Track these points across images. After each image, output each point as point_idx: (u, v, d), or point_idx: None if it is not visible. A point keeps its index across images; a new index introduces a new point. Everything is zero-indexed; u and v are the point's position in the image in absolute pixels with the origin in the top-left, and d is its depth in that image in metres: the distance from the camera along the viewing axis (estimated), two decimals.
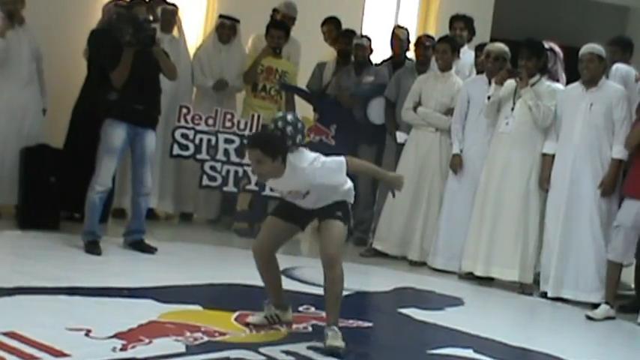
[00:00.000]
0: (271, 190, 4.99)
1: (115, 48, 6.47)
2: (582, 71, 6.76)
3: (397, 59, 8.40)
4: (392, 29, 8.57)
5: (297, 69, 8.54)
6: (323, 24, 8.89)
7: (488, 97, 7.15)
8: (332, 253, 4.63)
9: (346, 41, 8.44)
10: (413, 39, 8.52)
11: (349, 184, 4.78)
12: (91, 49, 7.33)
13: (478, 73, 7.79)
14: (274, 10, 8.70)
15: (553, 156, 6.92)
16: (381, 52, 8.90)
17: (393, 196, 4.99)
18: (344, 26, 8.77)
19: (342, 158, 4.66)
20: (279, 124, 4.67)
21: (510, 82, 7.11)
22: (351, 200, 4.82)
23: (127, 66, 6.43)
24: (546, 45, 7.25)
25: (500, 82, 7.14)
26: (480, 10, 10.03)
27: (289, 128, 4.65)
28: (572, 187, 6.75)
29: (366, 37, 8.42)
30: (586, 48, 6.75)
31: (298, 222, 4.90)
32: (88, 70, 7.41)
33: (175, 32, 8.07)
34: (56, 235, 6.75)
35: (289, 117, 4.72)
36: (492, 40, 8.92)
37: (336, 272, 4.61)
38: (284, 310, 5.01)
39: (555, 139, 6.92)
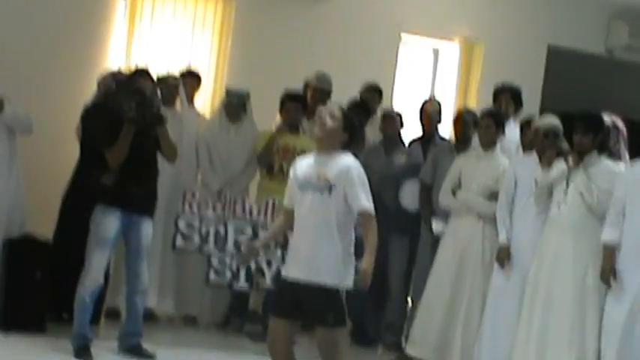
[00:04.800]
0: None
1: (112, 123, 6.53)
2: None
3: (427, 136, 8.47)
4: (421, 104, 8.62)
5: None
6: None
7: (536, 183, 7.12)
8: None
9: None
10: (451, 111, 8.57)
11: (352, 249, 5.12)
12: (84, 126, 7.33)
13: (524, 151, 7.70)
14: (305, 85, 8.74)
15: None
16: (413, 128, 8.90)
17: (355, 287, 5.16)
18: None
19: (371, 205, 5.21)
20: None
21: (561, 164, 7.03)
22: (348, 282, 5.08)
23: (127, 144, 6.50)
24: (606, 119, 7.12)
25: (548, 165, 7.09)
26: (528, 78, 9.96)
27: None
28: None
29: (394, 111, 8.50)
30: None
31: (294, 316, 5.12)
32: (80, 150, 7.47)
33: (178, 106, 8.14)
34: (42, 338, 6.80)
35: None
36: (542, 111, 8.82)
37: None
38: None
39: (617, 225, 6.67)
